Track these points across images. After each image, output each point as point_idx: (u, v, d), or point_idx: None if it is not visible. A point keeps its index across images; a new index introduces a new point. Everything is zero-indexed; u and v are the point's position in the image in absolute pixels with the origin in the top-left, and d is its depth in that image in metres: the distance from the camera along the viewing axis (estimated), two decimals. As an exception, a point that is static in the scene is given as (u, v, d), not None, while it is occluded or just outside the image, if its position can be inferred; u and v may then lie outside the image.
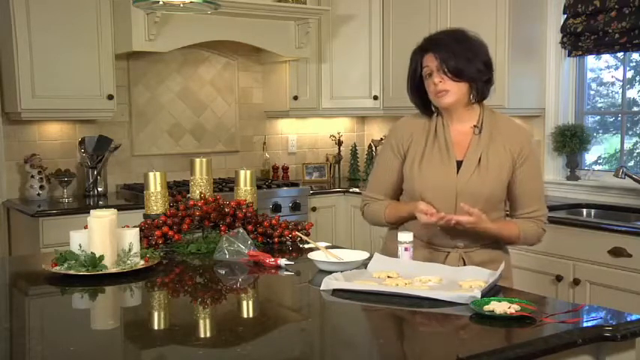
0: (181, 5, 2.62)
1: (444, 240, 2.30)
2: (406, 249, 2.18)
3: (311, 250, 2.40)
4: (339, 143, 5.23)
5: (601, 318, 1.77)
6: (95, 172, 4.26)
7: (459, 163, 2.28)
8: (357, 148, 5.29)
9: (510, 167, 2.28)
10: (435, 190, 2.27)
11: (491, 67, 2.30)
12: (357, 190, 4.62)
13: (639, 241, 3.09)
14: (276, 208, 4.35)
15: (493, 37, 3.81)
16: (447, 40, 2.27)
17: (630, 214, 3.62)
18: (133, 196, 4.16)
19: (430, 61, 2.25)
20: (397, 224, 2.40)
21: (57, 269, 2.15)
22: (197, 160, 2.71)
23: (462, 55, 2.22)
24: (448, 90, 2.24)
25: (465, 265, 2.27)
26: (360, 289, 1.92)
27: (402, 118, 2.47)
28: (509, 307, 1.69)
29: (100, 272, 2.11)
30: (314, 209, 4.55)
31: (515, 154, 2.28)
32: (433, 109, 2.37)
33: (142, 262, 2.23)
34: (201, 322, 1.86)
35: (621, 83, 4.05)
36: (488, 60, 2.29)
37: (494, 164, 2.26)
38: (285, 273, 2.25)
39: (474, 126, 2.31)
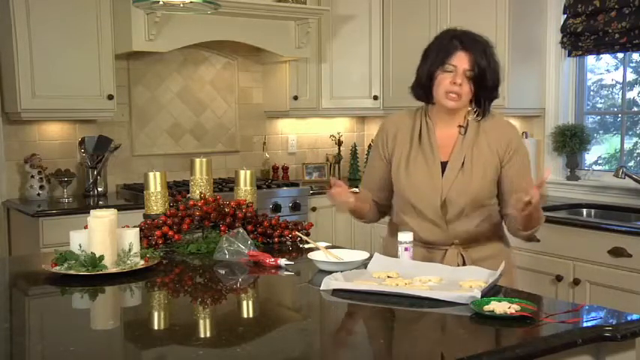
0: (181, 5, 2.62)
1: (441, 239, 2.30)
2: (406, 249, 2.18)
3: (311, 250, 2.40)
4: (339, 143, 5.23)
5: (601, 318, 1.77)
6: (95, 172, 4.26)
7: (444, 165, 2.28)
8: (357, 148, 5.28)
9: (497, 165, 2.27)
10: (421, 193, 2.28)
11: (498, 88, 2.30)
12: (357, 190, 4.59)
13: (639, 241, 3.09)
14: (276, 208, 4.34)
15: (493, 38, 3.73)
16: (482, 46, 2.24)
17: (630, 214, 3.62)
18: (133, 196, 4.16)
19: (461, 62, 2.20)
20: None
21: (57, 269, 2.15)
22: (197, 160, 2.71)
23: (491, 68, 2.22)
24: (462, 95, 2.22)
25: (463, 261, 2.28)
26: (360, 289, 1.92)
27: (388, 117, 2.49)
28: (509, 307, 1.69)
29: (100, 272, 2.11)
30: (314, 209, 4.55)
31: (501, 152, 2.27)
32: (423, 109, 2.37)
33: (142, 262, 2.23)
34: (201, 322, 1.85)
35: (621, 84, 4.05)
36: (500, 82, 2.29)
37: (478, 164, 2.26)
38: (285, 273, 2.25)
39: (459, 126, 2.31)
